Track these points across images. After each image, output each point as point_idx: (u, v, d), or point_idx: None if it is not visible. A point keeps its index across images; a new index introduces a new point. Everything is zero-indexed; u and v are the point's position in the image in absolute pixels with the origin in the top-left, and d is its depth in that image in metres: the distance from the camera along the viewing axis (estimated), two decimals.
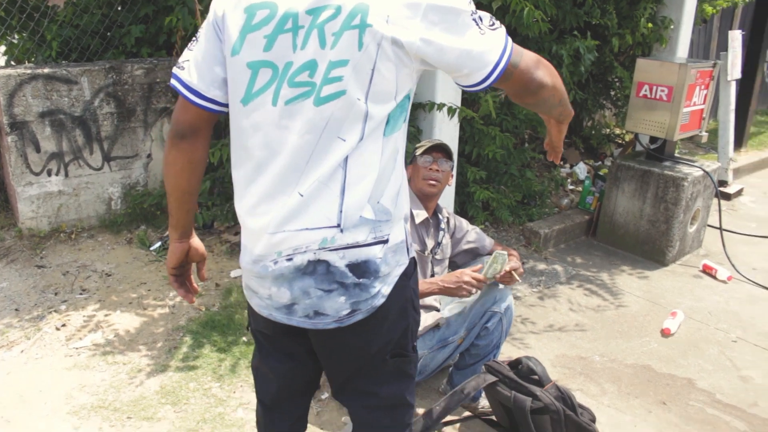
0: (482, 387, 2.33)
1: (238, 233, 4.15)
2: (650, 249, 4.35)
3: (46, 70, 3.73)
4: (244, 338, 3.17)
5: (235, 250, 4.03)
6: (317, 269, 1.43)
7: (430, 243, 2.68)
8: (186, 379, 2.88)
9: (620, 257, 4.46)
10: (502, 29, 1.40)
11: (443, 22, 1.33)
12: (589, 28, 4.77)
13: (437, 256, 2.74)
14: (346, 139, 1.37)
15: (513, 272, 2.50)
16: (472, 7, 1.37)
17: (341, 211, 1.39)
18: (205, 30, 1.50)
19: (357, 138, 1.37)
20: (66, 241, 4.00)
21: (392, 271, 1.49)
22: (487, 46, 1.36)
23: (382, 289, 1.47)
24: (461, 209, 4.53)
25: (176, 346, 3.12)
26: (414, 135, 3.89)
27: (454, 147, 3.99)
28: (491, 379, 2.33)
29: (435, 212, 2.76)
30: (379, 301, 1.48)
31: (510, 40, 1.41)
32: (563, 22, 4.42)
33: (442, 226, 2.75)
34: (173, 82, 1.51)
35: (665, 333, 3.47)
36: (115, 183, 4.19)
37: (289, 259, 1.43)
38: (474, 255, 2.86)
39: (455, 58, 1.35)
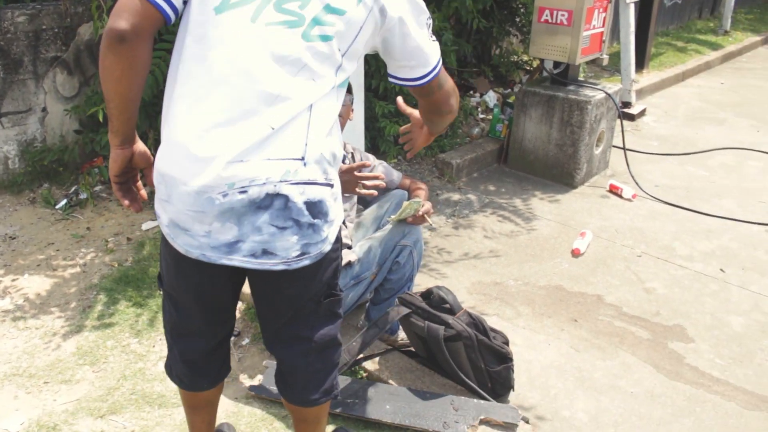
0: (396, 319, 2.35)
1: None
2: (559, 173, 4.46)
3: None
4: (159, 291, 3.07)
5: (148, 202, 3.85)
6: (274, 203, 1.37)
7: None
8: (103, 337, 2.78)
9: (531, 182, 4.56)
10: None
11: (415, 14, 1.54)
12: None
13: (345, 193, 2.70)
14: (318, 82, 1.41)
15: (425, 215, 2.50)
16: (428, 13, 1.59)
17: (306, 144, 1.38)
18: None
19: (329, 85, 1.43)
20: None
21: (336, 218, 1.50)
22: (432, 50, 1.60)
23: (329, 234, 1.48)
24: (373, 145, 4.49)
25: (90, 305, 2.99)
26: None
27: (358, 81, 3.90)
28: (405, 311, 2.35)
29: None
30: (327, 247, 1.49)
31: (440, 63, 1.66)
32: None
33: (345, 162, 2.70)
34: None
35: (575, 253, 3.61)
36: (9, 141, 3.88)
37: (243, 192, 1.34)
38: (383, 190, 2.83)
39: (412, 48, 1.55)
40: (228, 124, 1.34)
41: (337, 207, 1.50)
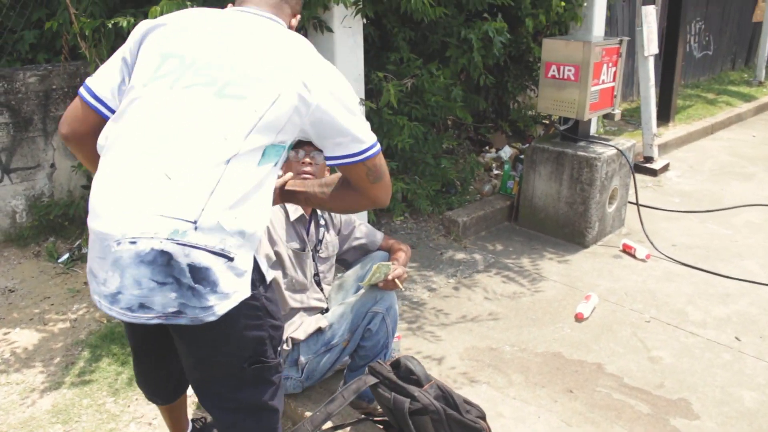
0: (362, 389, 2.24)
1: None
2: (570, 231, 4.31)
3: None
4: None
5: None
6: (157, 260, 1.37)
7: (310, 241, 2.57)
8: (80, 395, 2.75)
9: (542, 241, 4.42)
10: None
11: (343, 97, 1.58)
12: (501, 10, 4.69)
13: (321, 254, 2.63)
14: (230, 141, 1.41)
15: (396, 280, 2.40)
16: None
17: (203, 210, 1.37)
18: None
19: (238, 146, 1.41)
20: None
21: (232, 294, 1.45)
22: (365, 130, 1.64)
23: (217, 307, 1.43)
24: None
25: (73, 362, 2.98)
26: None
27: None
28: (372, 380, 2.24)
29: (314, 209, 2.64)
30: (209, 317, 1.43)
31: (378, 148, 1.67)
32: (469, 5, 4.33)
33: (321, 222, 2.63)
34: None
35: (578, 318, 3.43)
36: (18, 195, 3.99)
37: (133, 243, 1.37)
38: (364, 252, 2.75)
39: (344, 127, 1.58)
40: (133, 174, 1.41)
41: (237, 282, 1.45)
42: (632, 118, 7.07)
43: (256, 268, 1.54)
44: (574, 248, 4.30)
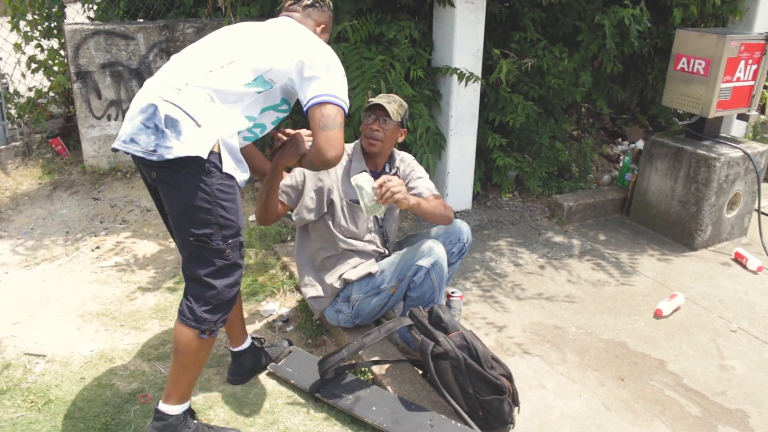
0: (397, 328, 2.47)
1: None
2: (680, 231, 4.15)
3: (107, 27, 4.22)
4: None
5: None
6: (148, 110, 1.95)
7: None
8: (178, 299, 3.25)
9: (648, 237, 4.29)
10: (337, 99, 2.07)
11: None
12: None
13: None
14: (230, 62, 2.07)
15: (382, 187, 2.36)
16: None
17: (187, 84, 2.00)
18: None
19: (234, 64, 2.06)
20: (122, 179, 4.53)
21: (189, 147, 1.92)
22: (314, 83, 2.08)
23: (175, 149, 1.92)
24: (486, 176, 4.56)
25: (179, 273, 3.49)
26: (432, 98, 3.98)
27: (472, 112, 4.04)
28: (407, 322, 2.46)
29: (385, 165, 2.83)
30: (167, 155, 1.92)
31: (336, 101, 2.07)
32: None
33: (390, 171, 2.81)
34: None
35: (657, 314, 3.37)
36: None
37: (146, 97, 2.00)
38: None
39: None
40: (163, 73, 2.12)
41: (195, 137, 1.93)
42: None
43: (218, 159, 1.98)
44: (680, 249, 4.14)
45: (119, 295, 3.30)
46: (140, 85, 4.41)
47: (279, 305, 3.22)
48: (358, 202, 2.70)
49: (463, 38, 3.85)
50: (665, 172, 4.16)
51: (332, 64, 2.12)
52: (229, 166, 2.03)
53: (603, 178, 4.81)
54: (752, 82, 4.02)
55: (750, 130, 5.39)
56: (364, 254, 2.79)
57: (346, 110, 2.11)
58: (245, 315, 3.13)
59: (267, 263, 3.57)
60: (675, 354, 3.09)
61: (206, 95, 2.00)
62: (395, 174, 2.85)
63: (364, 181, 2.37)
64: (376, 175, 2.80)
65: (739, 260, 3.98)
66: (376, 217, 2.83)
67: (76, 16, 4.87)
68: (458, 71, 3.79)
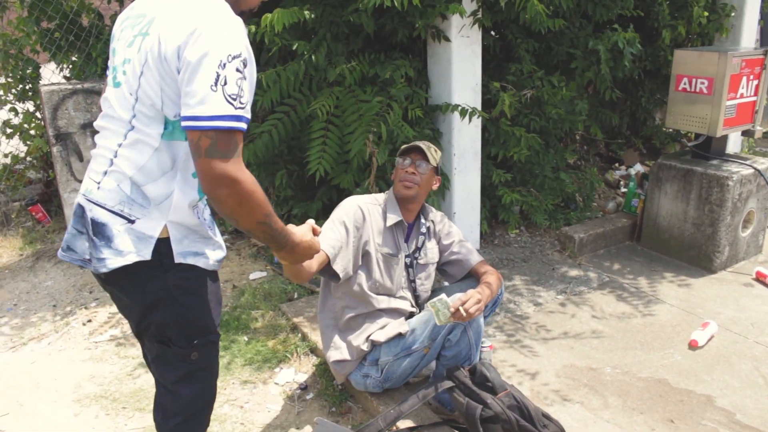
0: (438, 393, 2.26)
1: None
2: (696, 255, 4.02)
3: (86, 85, 4.02)
4: (245, 337, 3.25)
5: (259, 253, 4.14)
6: (77, 211, 1.66)
7: (405, 247, 2.62)
8: None
9: (663, 263, 4.15)
10: (235, 110, 1.45)
11: (201, 50, 1.46)
12: (634, 21, 4.50)
13: (420, 261, 2.68)
14: (122, 118, 1.60)
15: (460, 308, 2.27)
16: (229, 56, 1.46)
17: (105, 173, 1.62)
18: None
19: (128, 120, 1.59)
20: None
21: (127, 253, 1.59)
22: (204, 98, 1.43)
23: (109, 261, 1.59)
24: (492, 213, 4.40)
25: None
26: (432, 137, 3.83)
27: (475, 148, 3.90)
28: (447, 384, 2.26)
29: (418, 215, 2.70)
30: (101, 268, 1.60)
31: (231, 124, 1.45)
32: (596, 15, 4.19)
33: (423, 230, 2.68)
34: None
35: (692, 345, 3.20)
36: None
37: (79, 196, 1.70)
38: (463, 268, 2.73)
39: (187, 79, 1.47)
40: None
41: (134, 244, 1.59)
42: None
43: (165, 252, 1.62)
44: (699, 272, 4.00)
45: (118, 373, 3.03)
46: None
47: (294, 371, 2.98)
48: (394, 255, 2.54)
49: (461, 73, 3.73)
50: (675, 195, 4.05)
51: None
52: (185, 252, 1.65)
53: (608, 206, 4.69)
54: (755, 98, 3.95)
55: (746, 146, 5.35)
56: (393, 313, 2.58)
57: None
58: (258, 384, 2.90)
59: (276, 325, 3.34)
60: (720, 387, 2.91)
61: (128, 181, 1.59)
62: (428, 229, 2.69)
63: (442, 305, 2.27)
64: (410, 228, 2.64)
65: (761, 279, 3.85)
66: (407, 273, 2.64)
67: (51, 76, 4.66)
68: (459, 107, 3.66)
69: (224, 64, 1.43)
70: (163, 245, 1.62)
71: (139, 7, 1.66)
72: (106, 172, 1.60)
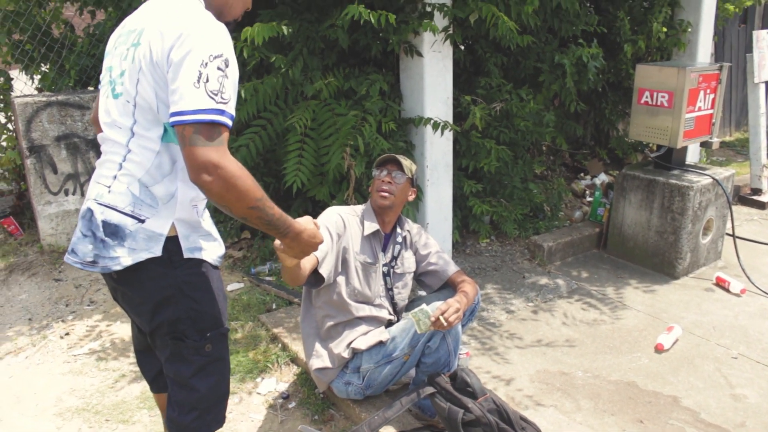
0: (421, 399, 2.34)
1: (241, 249, 4.30)
2: (660, 261, 4.20)
3: (60, 98, 4.01)
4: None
5: (236, 264, 4.18)
6: (86, 215, 1.72)
7: (383, 256, 2.70)
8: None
9: (629, 270, 4.32)
10: (216, 104, 1.52)
11: (184, 49, 1.54)
12: (598, 36, 4.68)
13: (397, 270, 2.76)
14: (124, 126, 1.69)
15: (441, 318, 2.34)
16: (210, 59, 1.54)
17: (115, 177, 1.70)
18: None
19: (129, 127, 1.68)
20: None
21: (140, 251, 1.69)
22: (187, 94, 1.51)
23: (122, 259, 1.68)
24: (463, 223, 4.52)
25: None
26: (406, 150, 3.93)
27: (446, 161, 4.00)
28: (429, 390, 2.34)
29: (395, 226, 2.78)
30: (115, 266, 1.69)
31: (214, 117, 1.51)
32: (561, 31, 4.35)
33: (399, 240, 2.76)
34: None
35: (658, 348, 3.35)
36: None
37: (86, 202, 1.76)
38: (440, 279, 2.82)
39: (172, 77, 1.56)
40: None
41: (145, 242, 1.68)
42: (743, 149, 6.73)
43: (173, 250, 1.71)
44: (662, 279, 4.17)
45: (99, 386, 3.04)
46: (98, 156, 4.28)
47: (276, 380, 3.03)
48: (372, 264, 2.62)
49: (433, 87, 3.83)
50: (639, 204, 4.22)
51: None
52: (192, 248, 1.76)
53: (575, 215, 4.85)
54: (711, 111, 4.15)
55: (704, 155, 5.58)
56: (372, 321, 2.66)
57: None
58: (241, 395, 2.94)
59: (256, 336, 3.38)
60: (686, 388, 3.05)
61: (137, 183, 1.68)
62: (404, 239, 2.77)
63: (423, 314, 2.35)
64: (387, 238, 2.72)
65: (721, 284, 4.04)
66: (385, 281, 2.72)
67: (23, 87, 4.62)
68: (432, 121, 3.76)
69: (206, 63, 1.52)
70: (171, 243, 1.71)
71: (129, 23, 1.76)
72: (115, 177, 1.70)
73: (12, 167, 4.45)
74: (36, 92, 4.57)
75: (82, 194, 4.21)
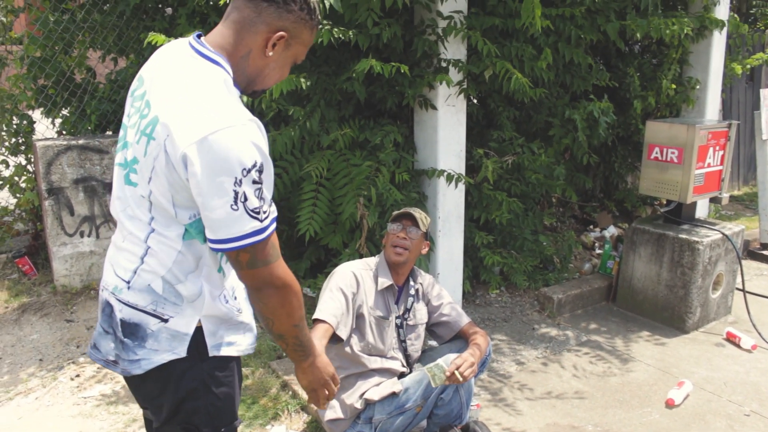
0: None
1: None
2: (669, 315, 4.19)
3: (81, 142, 4.11)
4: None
5: None
6: (106, 309, 1.60)
7: (396, 309, 2.73)
8: None
9: (639, 323, 4.32)
10: (261, 223, 1.41)
11: (211, 169, 1.35)
12: (608, 91, 4.77)
13: (409, 322, 2.79)
14: (141, 219, 1.53)
15: (456, 372, 2.40)
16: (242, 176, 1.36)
17: (135, 272, 1.54)
18: None
19: (147, 221, 1.52)
20: (95, 297, 4.29)
21: (162, 351, 1.54)
22: (226, 218, 1.37)
23: (144, 362, 1.54)
24: (474, 274, 4.54)
25: None
26: (419, 200, 3.99)
27: (458, 212, 4.06)
28: None
29: (408, 279, 2.82)
30: (136, 370, 1.55)
31: (264, 236, 1.41)
32: (573, 86, 4.46)
33: (412, 292, 2.80)
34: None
35: (669, 404, 3.33)
36: None
37: (103, 290, 1.63)
38: (452, 330, 2.85)
39: (201, 201, 1.39)
40: (115, 238, 1.65)
41: (169, 342, 1.54)
42: (752, 203, 6.77)
43: (200, 341, 1.57)
44: (672, 333, 4.17)
45: (108, 429, 3.03)
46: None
47: (286, 428, 3.03)
48: (385, 318, 2.65)
49: (447, 140, 3.91)
50: (649, 258, 4.24)
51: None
52: (219, 344, 1.60)
53: (585, 267, 4.87)
54: (720, 167, 4.21)
55: (713, 210, 5.62)
56: (385, 373, 2.67)
57: None
58: None
59: (266, 383, 3.38)
60: None
61: (160, 280, 1.52)
62: (416, 291, 2.81)
63: (438, 369, 2.43)
64: (400, 290, 2.76)
65: (731, 340, 4.03)
66: (398, 333, 2.75)
67: (45, 131, 4.74)
68: (446, 173, 3.83)
69: (240, 181, 1.34)
70: (197, 333, 1.57)
71: (139, 86, 1.58)
72: (135, 271, 1.54)
73: (30, 208, 4.52)
74: (57, 135, 4.68)
75: (98, 236, 4.27)
